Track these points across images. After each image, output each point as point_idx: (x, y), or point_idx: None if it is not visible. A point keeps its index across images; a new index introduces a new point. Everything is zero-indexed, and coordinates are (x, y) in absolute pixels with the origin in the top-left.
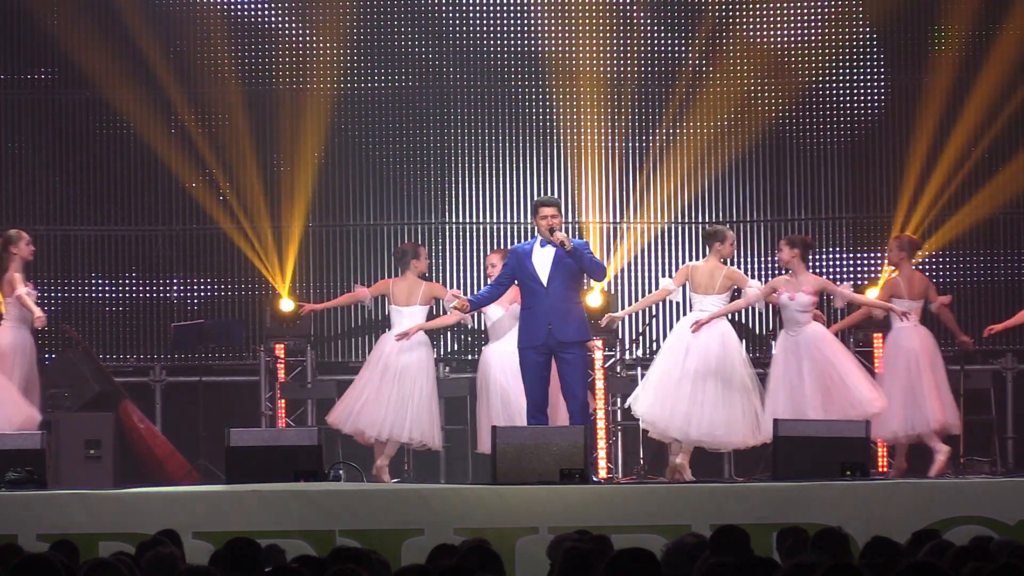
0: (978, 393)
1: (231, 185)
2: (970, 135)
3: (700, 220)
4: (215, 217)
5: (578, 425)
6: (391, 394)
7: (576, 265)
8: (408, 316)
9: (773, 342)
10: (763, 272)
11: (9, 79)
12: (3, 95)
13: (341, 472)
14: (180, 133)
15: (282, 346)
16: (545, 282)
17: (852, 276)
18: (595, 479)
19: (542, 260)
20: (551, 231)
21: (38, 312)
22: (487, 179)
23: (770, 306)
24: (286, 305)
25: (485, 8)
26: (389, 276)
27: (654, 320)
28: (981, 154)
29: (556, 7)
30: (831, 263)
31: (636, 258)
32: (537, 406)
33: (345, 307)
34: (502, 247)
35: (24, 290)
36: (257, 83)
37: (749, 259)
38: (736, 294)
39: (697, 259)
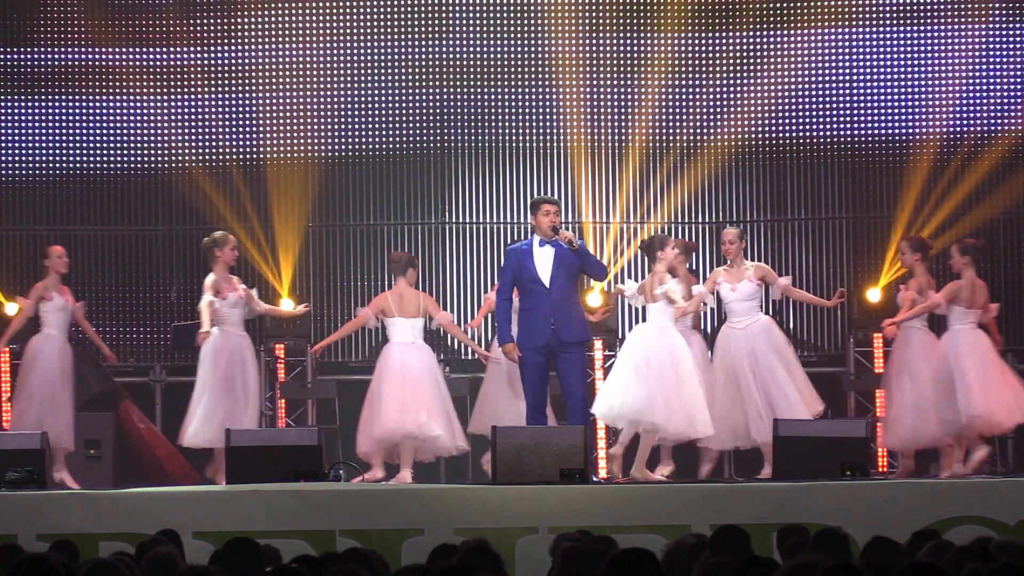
0: None
1: (231, 185)
2: (970, 135)
3: (700, 220)
4: (215, 217)
5: (578, 425)
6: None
7: (577, 264)
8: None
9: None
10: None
11: (8, 78)
12: (3, 94)
13: (341, 472)
14: (180, 132)
15: (282, 346)
16: (548, 282)
17: (852, 275)
18: (595, 479)
19: (543, 260)
20: (555, 230)
21: (204, 326)
22: (487, 179)
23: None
24: (286, 305)
25: (485, 9)
26: (386, 277)
27: None
28: (981, 154)
29: (556, 7)
30: (831, 263)
31: (636, 258)
32: (537, 407)
33: (344, 309)
34: (502, 247)
35: (208, 299)
36: (258, 82)
37: (749, 259)
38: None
39: (696, 260)
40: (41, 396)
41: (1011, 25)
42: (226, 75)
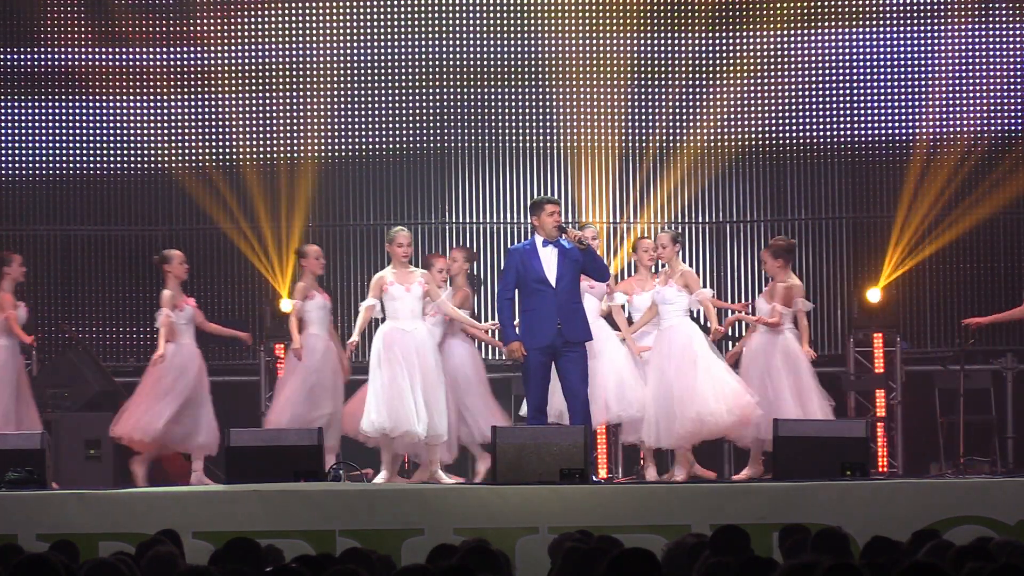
0: (978, 393)
1: (231, 185)
2: (970, 135)
3: (700, 220)
4: (215, 217)
5: (579, 425)
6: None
7: (580, 264)
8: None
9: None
10: (762, 271)
11: (8, 78)
12: (3, 94)
13: (341, 472)
14: (180, 132)
15: (282, 346)
16: (554, 282)
17: (852, 275)
18: (595, 479)
19: (548, 260)
20: (561, 229)
21: (353, 335)
22: (487, 179)
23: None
24: (286, 305)
25: (485, 9)
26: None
27: None
28: (981, 154)
29: (556, 7)
30: (831, 263)
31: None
32: (538, 408)
33: (345, 309)
34: (502, 247)
35: (369, 303)
36: (258, 83)
37: (749, 259)
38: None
39: (697, 259)
40: (305, 394)
41: (1012, 26)
42: (226, 75)
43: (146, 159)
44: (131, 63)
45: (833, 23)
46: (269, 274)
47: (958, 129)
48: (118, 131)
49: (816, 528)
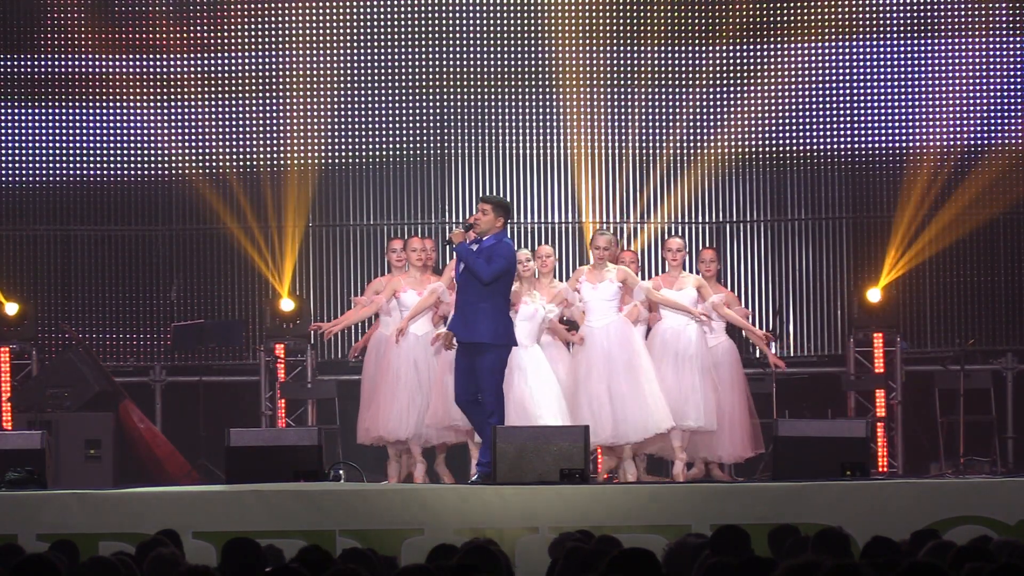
0: (978, 393)
1: (232, 187)
2: (969, 140)
3: (700, 220)
4: (215, 217)
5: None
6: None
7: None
8: None
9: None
10: (762, 271)
11: (11, 84)
12: (5, 100)
13: (341, 472)
14: (181, 136)
15: (282, 346)
16: (457, 280)
17: (852, 275)
18: (595, 479)
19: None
20: (467, 227)
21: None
22: (487, 179)
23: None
24: (286, 305)
25: (485, 13)
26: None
27: None
28: (980, 158)
29: (556, 8)
30: (831, 263)
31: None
32: (458, 399)
33: (343, 309)
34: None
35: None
36: (258, 86)
37: (749, 259)
38: None
39: (696, 260)
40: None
41: (1011, 34)
42: (227, 79)
43: (147, 162)
44: (132, 69)
45: (833, 34)
46: (269, 274)
47: (957, 134)
48: (119, 135)
49: (816, 528)
